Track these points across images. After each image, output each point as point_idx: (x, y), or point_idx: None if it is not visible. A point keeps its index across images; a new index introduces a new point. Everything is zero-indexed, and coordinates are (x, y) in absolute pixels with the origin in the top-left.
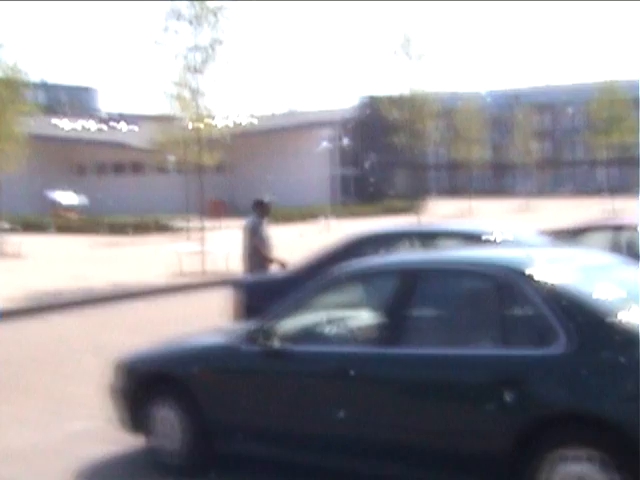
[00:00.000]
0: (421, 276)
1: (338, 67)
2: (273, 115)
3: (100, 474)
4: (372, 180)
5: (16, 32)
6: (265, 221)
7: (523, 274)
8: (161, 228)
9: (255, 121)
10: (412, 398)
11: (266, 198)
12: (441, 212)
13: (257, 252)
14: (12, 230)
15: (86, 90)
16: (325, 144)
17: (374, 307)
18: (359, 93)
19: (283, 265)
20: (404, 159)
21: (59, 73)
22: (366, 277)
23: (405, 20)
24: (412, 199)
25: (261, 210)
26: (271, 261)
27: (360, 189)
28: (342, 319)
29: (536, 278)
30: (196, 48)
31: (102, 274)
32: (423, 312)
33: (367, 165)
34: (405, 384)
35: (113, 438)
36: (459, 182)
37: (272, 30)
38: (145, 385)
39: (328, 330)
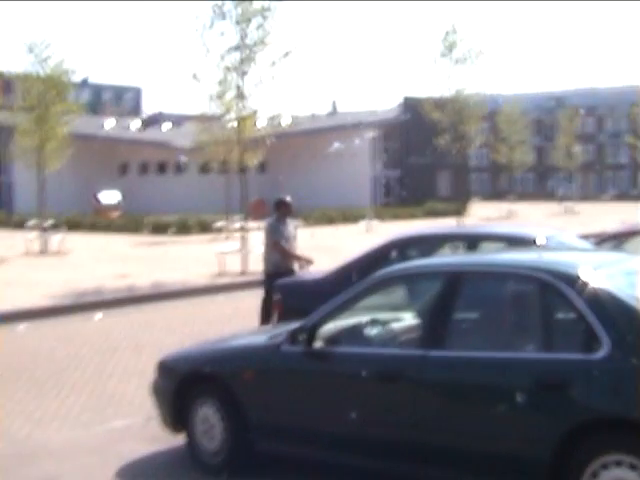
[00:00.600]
0: (465, 279)
1: (381, 68)
2: (315, 116)
3: (140, 472)
4: (414, 182)
5: (61, 31)
6: (288, 220)
7: (567, 278)
8: (202, 228)
9: (297, 122)
10: (454, 401)
11: (287, 198)
12: (483, 215)
13: (279, 251)
14: (55, 228)
15: (130, 89)
16: (367, 144)
17: (418, 309)
18: (402, 94)
19: (308, 262)
20: (446, 161)
21: (104, 72)
22: (410, 279)
23: (449, 21)
24: (454, 202)
25: (281, 210)
26: (295, 259)
27: (402, 191)
28: (385, 321)
29: (580, 282)
30: (240, 48)
31: (144, 273)
32: (467, 315)
33: (409, 167)
34: (447, 387)
35: (154, 436)
36: (501, 185)
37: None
38: (186, 384)
39: (371, 332)
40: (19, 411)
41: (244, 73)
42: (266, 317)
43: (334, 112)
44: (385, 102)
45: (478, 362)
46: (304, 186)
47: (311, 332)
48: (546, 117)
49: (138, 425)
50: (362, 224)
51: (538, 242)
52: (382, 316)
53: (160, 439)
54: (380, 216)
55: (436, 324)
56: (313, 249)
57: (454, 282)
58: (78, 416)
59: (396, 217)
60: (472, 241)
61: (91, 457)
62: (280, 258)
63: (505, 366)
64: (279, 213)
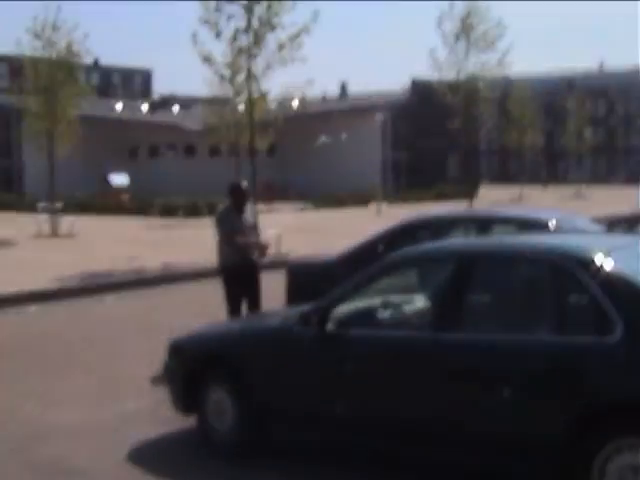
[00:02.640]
0: (478, 261)
1: (391, 49)
2: (325, 98)
3: (151, 454)
4: (424, 165)
5: (70, 13)
6: (245, 208)
7: (580, 261)
8: (213, 210)
9: (307, 104)
10: (466, 383)
11: (243, 183)
12: (493, 198)
13: (229, 243)
14: (65, 211)
15: (140, 72)
16: (377, 128)
17: (430, 292)
18: (412, 76)
19: (263, 250)
20: (456, 144)
21: (113, 54)
22: (423, 262)
23: (460, 4)
24: (464, 185)
25: (234, 197)
26: (249, 248)
27: (412, 174)
28: (397, 304)
29: (593, 265)
30: (250, 30)
31: (154, 256)
32: (479, 298)
33: (419, 150)
34: (460, 370)
35: (164, 418)
36: (511, 168)
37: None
38: (197, 366)
39: (383, 314)
40: (30, 392)
41: (254, 55)
42: (232, 312)
43: (344, 94)
44: (392, 84)
45: (490, 345)
46: (314, 169)
47: (323, 314)
48: (557, 100)
49: (149, 407)
50: (372, 207)
51: (550, 225)
52: (394, 299)
53: (171, 421)
54: (390, 199)
55: (449, 307)
56: (324, 231)
57: (466, 265)
58: (89, 398)
59: (406, 200)
60: (484, 224)
61: (102, 439)
62: (232, 250)
63: (517, 349)
64: (232, 200)
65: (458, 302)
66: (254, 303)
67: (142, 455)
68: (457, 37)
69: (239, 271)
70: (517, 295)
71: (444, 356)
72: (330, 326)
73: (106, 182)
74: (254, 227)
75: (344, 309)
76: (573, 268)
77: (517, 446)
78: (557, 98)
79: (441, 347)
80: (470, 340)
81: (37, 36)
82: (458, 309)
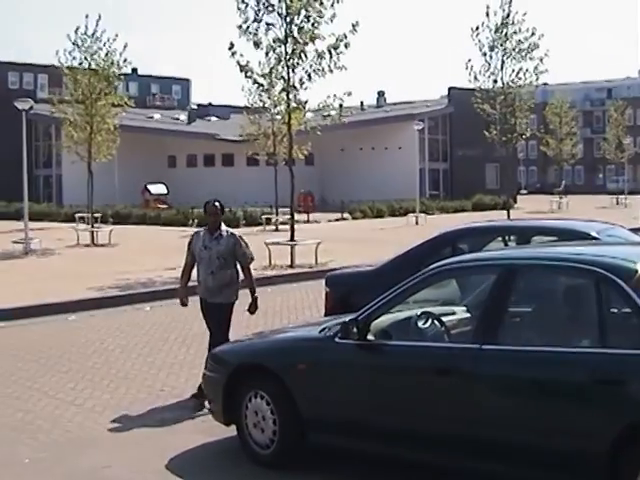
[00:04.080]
0: (520, 272)
1: (429, 58)
2: (363, 108)
3: (190, 463)
4: (461, 175)
5: (109, 24)
6: (221, 233)
7: (624, 272)
8: (250, 220)
9: (345, 113)
10: (508, 396)
11: (215, 202)
12: (531, 208)
13: (182, 273)
14: (104, 220)
15: (178, 81)
16: (415, 137)
17: (471, 303)
18: (450, 85)
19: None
20: (494, 154)
21: (152, 64)
22: (463, 272)
23: (498, 13)
24: (501, 195)
25: (208, 217)
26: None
27: (449, 184)
28: (438, 315)
29: (637, 276)
30: (288, 40)
31: None
32: (521, 309)
33: (457, 159)
34: (502, 382)
35: (204, 428)
36: (549, 178)
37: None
38: (238, 376)
39: (424, 325)
40: (71, 401)
41: (292, 65)
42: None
43: (382, 103)
44: (429, 93)
45: (533, 357)
46: (351, 179)
47: (364, 325)
48: (595, 108)
49: (188, 416)
50: (411, 217)
51: (591, 236)
52: (435, 310)
53: (211, 430)
54: (428, 209)
55: (490, 318)
56: (362, 242)
57: (508, 275)
58: (129, 407)
59: (443, 210)
60: (523, 235)
61: (141, 448)
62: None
63: (560, 361)
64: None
65: (500, 313)
66: (211, 342)
67: (182, 465)
68: (492, 47)
69: (202, 305)
70: (560, 306)
71: (486, 368)
72: (371, 337)
73: (145, 192)
74: (229, 255)
75: (385, 320)
76: (617, 279)
77: (560, 459)
78: (596, 106)
79: (483, 359)
80: (512, 352)
81: (77, 46)
82: (500, 320)
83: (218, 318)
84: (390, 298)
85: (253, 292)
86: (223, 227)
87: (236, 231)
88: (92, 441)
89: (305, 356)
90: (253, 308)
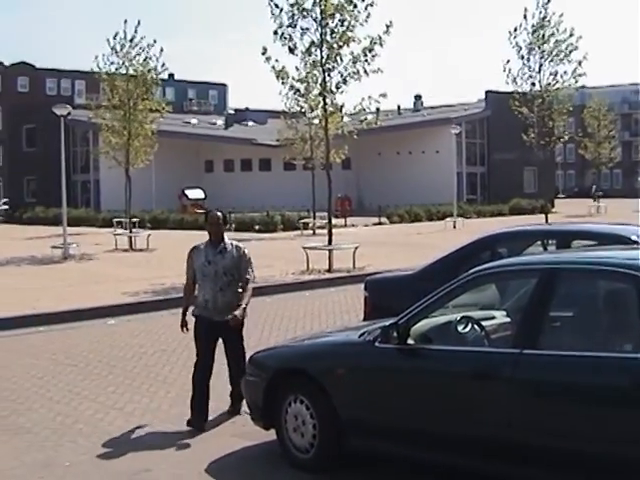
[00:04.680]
0: (560, 276)
1: (466, 62)
2: (400, 112)
3: (230, 467)
4: (499, 179)
5: (147, 29)
6: (225, 245)
7: None
8: (288, 225)
9: (382, 117)
10: (549, 401)
11: (217, 212)
12: (569, 212)
13: (184, 291)
14: (141, 225)
15: (215, 86)
16: (452, 141)
17: (511, 307)
18: (487, 88)
19: (236, 320)
20: (532, 157)
21: (189, 70)
22: (504, 277)
23: (535, 15)
24: (539, 198)
25: (208, 228)
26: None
27: (487, 188)
28: (478, 319)
29: None
30: (323, 44)
31: None
32: (561, 313)
33: (494, 163)
34: (543, 386)
35: (244, 431)
36: (587, 181)
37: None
38: (277, 381)
39: (464, 330)
40: (111, 405)
41: (328, 69)
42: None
43: (419, 107)
44: (466, 96)
45: (574, 362)
46: (388, 183)
47: (404, 329)
48: (634, 111)
49: (229, 420)
50: (448, 221)
51: (632, 240)
52: (475, 314)
53: (250, 434)
54: (465, 213)
55: (530, 323)
56: (400, 246)
57: (549, 280)
58: (168, 410)
59: (481, 214)
60: (563, 239)
61: (181, 451)
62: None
63: (601, 366)
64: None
65: (541, 318)
66: (229, 362)
67: (222, 468)
68: (530, 49)
69: (202, 325)
70: (601, 311)
71: (527, 373)
72: (411, 341)
73: (182, 197)
74: (236, 269)
75: (425, 324)
76: None
77: (600, 464)
78: (634, 109)
79: (524, 364)
80: (552, 357)
81: (115, 52)
82: (541, 325)
83: (231, 336)
84: (430, 302)
85: (240, 303)
86: (227, 239)
87: (273, 235)
88: (132, 445)
89: (345, 361)
90: (234, 317)
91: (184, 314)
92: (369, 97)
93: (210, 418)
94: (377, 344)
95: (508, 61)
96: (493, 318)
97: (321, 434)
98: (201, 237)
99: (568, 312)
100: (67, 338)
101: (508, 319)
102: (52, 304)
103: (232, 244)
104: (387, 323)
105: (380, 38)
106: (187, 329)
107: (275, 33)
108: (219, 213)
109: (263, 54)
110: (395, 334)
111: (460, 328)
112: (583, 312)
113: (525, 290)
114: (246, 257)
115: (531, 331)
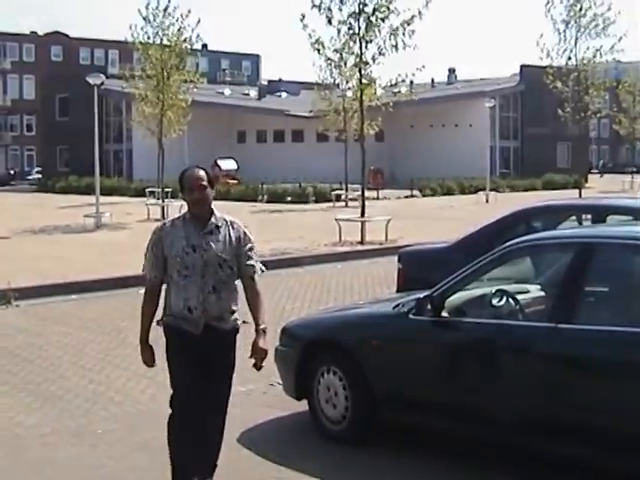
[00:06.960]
0: (597, 250)
1: (501, 35)
2: (434, 85)
3: (262, 437)
4: (532, 153)
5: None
6: (210, 225)
7: None
8: (320, 197)
9: (416, 90)
10: (585, 376)
11: (196, 170)
12: (602, 187)
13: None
14: (174, 195)
15: (248, 57)
16: (486, 114)
17: (546, 281)
18: (522, 62)
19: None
20: (566, 132)
21: (222, 40)
22: (539, 250)
23: None
24: (572, 174)
25: (184, 194)
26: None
27: (520, 162)
28: (513, 293)
29: None
30: (362, 16)
31: (262, 240)
32: (598, 288)
33: (528, 138)
34: (578, 362)
35: (276, 402)
36: (621, 157)
37: None
38: (310, 351)
39: (498, 303)
40: (142, 374)
41: (365, 41)
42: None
43: (453, 80)
44: (501, 70)
45: (608, 337)
46: (421, 156)
47: (439, 302)
48: None
49: (260, 390)
50: (481, 195)
51: None
52: (509, 287)
53: (282, 405)
54: (498, 187)
55: (566, 297)
56: (432, 219)
57: (585, 254)
58: None
59: (514, 189)
60: (598, 213)
61: None
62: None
63: (636, 341)
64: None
65: (576, 292)
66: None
67: (252, 438)
68: (567, 23)
69: (181, 341)
70: (636, 285)
71: (562, 348)
72: (445, 314)
73: (214, 167)
74: (233, 256)
75: (459, 297)
76: None
77: (634, 442)
78: None
79: (559, 338)
80: (587, 332)
81: (149, 22)
82: (575, 299)
83: (220, 364)
84: (464, 275)
85: (259, 323)
86: (217, 213)
87: (305, 207)
88: (163, 414)
89: (378, 332)
90: (259, 351)
91: (145, 340)
92: (405, 73)
93: (242, 387)
94: (411, 316)
95: (542, 35)
96: (528, 292)
97: (353, 406)
98: (233, 207)
99: (603, 287)
100: (99, 307)
101: (543, 293)
102: (84, 273)
103: (226, 220)
104: (421, 295)
105: (420, 12)
106: (154, 362)
107: (312, 3)
108: (202, 172)
109: (301, 20)
110: (429, 306)
111: (495, 301)
112: (619, 287)
113: (560, 264)
114: (247, 238)
115: (566, 305)
